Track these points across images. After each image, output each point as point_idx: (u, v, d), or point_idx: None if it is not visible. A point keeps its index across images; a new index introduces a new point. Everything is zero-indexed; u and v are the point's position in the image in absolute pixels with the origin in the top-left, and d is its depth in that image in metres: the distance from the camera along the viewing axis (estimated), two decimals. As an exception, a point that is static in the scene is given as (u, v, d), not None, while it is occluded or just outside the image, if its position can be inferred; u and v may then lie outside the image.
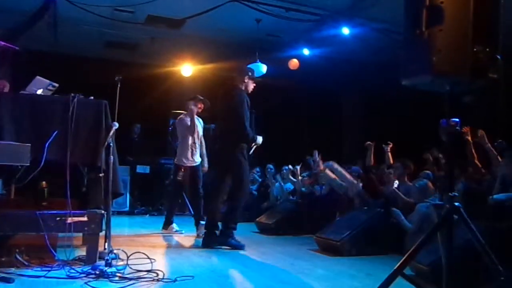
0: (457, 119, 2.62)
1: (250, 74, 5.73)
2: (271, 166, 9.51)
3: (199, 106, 6.92)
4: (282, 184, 8.87)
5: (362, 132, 11.76)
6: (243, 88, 5.68)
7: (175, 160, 6.93)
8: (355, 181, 6.56)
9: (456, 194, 2.55)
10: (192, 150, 6.77)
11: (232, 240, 5.47)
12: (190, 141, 6.76)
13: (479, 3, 2.50)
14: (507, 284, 2.49)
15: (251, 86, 5.72)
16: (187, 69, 10.93)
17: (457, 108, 2.65)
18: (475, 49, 2.47)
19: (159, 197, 9.88)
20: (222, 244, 5.43)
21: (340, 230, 5.50)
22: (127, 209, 9.32)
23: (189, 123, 6.81)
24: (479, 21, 2.50)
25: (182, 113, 9.90)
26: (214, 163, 5.94)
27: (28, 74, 4.59)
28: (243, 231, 7.32)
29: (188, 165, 6.76)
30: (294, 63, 10.05)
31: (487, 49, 2.50)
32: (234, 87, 5.67)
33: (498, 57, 2.53)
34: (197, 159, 6.83)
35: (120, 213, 8.82)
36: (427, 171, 6.11)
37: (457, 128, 2.61)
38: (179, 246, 5.74)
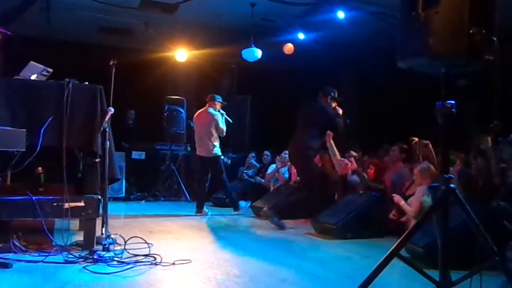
0: (453, 102, 2.62)
1: (332, 94, 6.43)
2: (267, 152, 9.53)
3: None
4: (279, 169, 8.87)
5: (358, 116, 11.75)
6: None
7: (218, 151, 7.42)
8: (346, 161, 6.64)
9: (451, 176, 2.57)
10: None
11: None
12: None
13: (476, -16, 2.50)
14: (501, 264, 2.52)
15: (333, 105, 6.44)
16: (182, 54, 10.85)
17: (453, 90, 2.66)
18: (471, 31, 2.47)
19: (154, 183, 9.89)
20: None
21: (336, 214, 5.54)
22: (123, 195, 9.31)
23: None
24: (475, 3, 2.49)
25: (176, 98, 9.93)
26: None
27: (21, 59, 4.54)
28: (239, 216, 7.38)
29: None
30: (289, 48, 10.00)
31: (483, 31, 2.49)
32: (317, 103, 6.45)
33: (494, 39, 2.53)
34: None
35: (116, 199, 8.82)
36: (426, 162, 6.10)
37: (453, 110, 2.62)
38: (176, 231, 5.77)
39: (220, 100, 7.67)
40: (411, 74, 2.92)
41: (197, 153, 7.57)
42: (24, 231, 3.97)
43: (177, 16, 9.26)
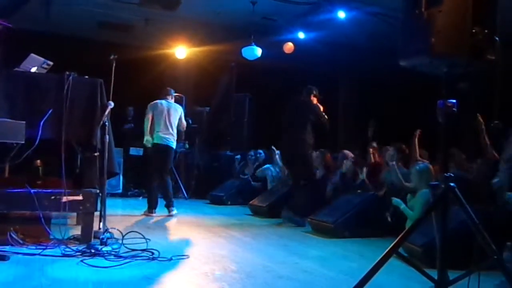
0: (454, 101, 2.63)
1: (314, 92, 6.71)
2: (260, 151, 9.49)
3: None
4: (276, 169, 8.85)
5: (358, 115, 11.74)
6: None
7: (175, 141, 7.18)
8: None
9: (451, 174, 2.57)
10: None
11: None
12: None
13: (478, -16, 2.50)
14: (499, 263, 2.52)
15: (315, 101, 6.70)
16: (181, 51, 10.84)
17: (454, 90, 2.66)
18: (473, 31, 2.47)
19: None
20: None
21: (334, 212, 5.55)
22: (120, 191, 9.30)
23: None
24: (478, 3, 2.50)
25: (176, 95, 9.88)
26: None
27: (21, 52, 4.53)
28: (236, 214, 7.38)
29: None
30: (289, 47, 10.00)
31: (486, 31, 2.50)
32: (303, 101, 6.68)
33: (496, 38, 2.53)
34: None
35: (113, 195, 8.79)
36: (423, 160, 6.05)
37: (454, 109, 2.62)
38: (174, 226, 5.77)
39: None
40: (411, 74, 2.91)
41: None
42: (21, 224, 3.95)
43: (177, 13, 9.24)
